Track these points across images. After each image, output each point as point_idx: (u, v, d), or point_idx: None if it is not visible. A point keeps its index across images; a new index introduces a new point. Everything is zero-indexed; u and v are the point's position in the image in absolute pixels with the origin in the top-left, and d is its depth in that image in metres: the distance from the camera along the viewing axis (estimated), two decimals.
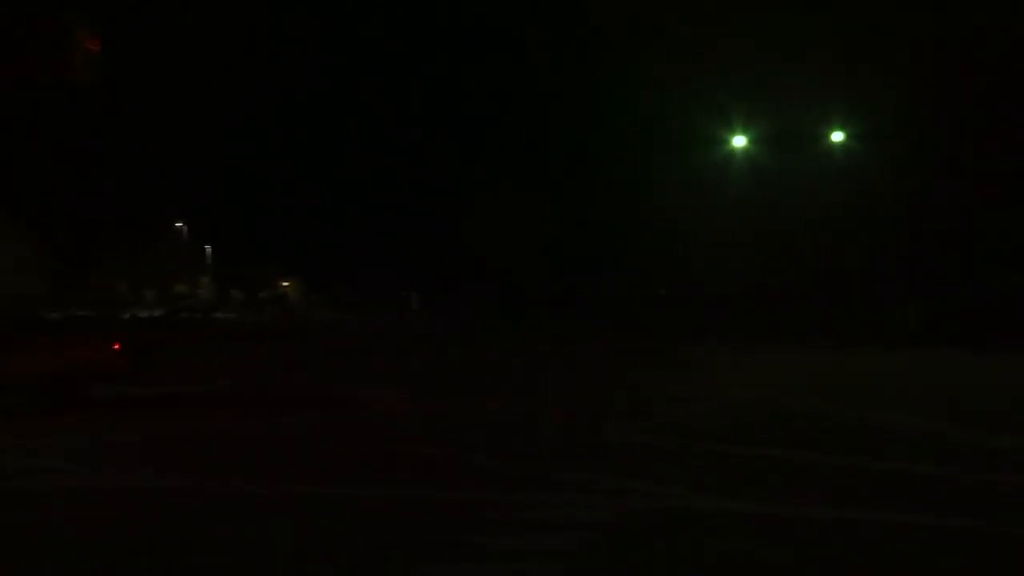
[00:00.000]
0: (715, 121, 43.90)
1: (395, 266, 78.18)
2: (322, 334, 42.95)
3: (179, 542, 7.71)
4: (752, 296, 45.08)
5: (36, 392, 15.93)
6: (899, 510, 8.55)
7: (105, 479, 10.23)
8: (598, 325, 45.71)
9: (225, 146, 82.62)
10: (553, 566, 7.01)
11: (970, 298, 35.64)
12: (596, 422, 14.30)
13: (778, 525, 8.12)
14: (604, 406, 16.32)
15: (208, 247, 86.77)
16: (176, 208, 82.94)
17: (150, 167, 78.51)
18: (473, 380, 21.14)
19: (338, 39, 75.40)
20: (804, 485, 9.66)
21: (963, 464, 10.53)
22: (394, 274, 79.69)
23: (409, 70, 73.09)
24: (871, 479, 9.95)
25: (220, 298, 75.46)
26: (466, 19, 60.90)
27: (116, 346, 17.06)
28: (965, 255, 38.98)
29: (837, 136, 40.94)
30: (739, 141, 43.02)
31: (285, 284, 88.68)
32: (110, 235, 73.41)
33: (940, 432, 12.87)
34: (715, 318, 43.06)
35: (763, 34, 42.87)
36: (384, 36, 69.96)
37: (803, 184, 42.41)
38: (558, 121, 60.86)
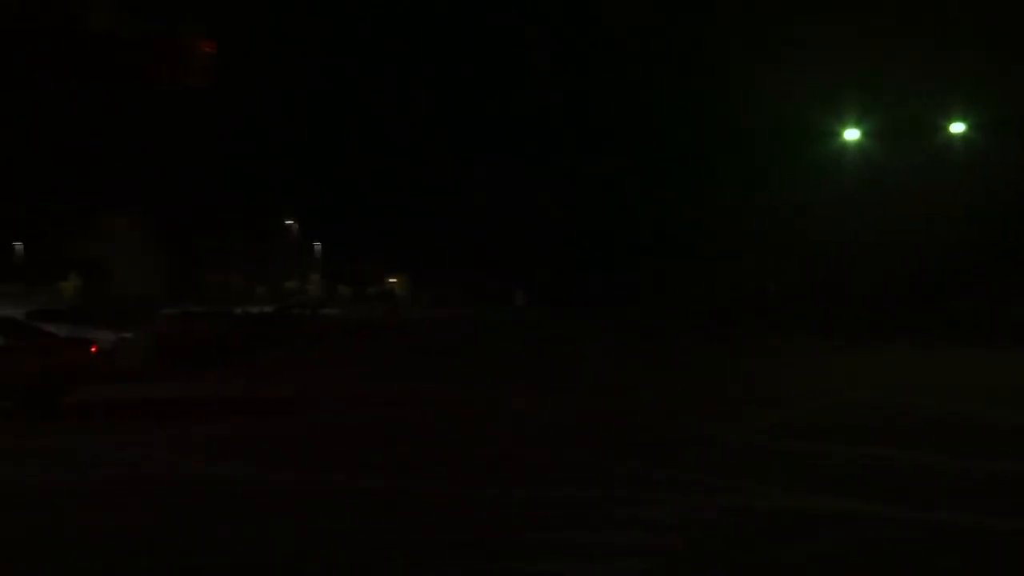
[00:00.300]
0: (827, 114, 42.88)
1: (500, 263, 78.68)
2: (425, 330, 43.58)
3: (298, 534, 8.00)
4: (868, 292, 43.92)
5: (21, 395, 15.64)
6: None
7: (229, 469, 10.67)
8: (706, 321, 45.17)
9: (335, 144, 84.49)
10: (651, 564, 7.03)
11: None
12: (701, 419, 14.20)
13: (890, 527, 7.96)
14: (709, 403, 16.18)
15: (317, 244, 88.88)
16: (287, 206, 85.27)
17: (262, 166, 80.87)
18: (571, 376, 21.15)
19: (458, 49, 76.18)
20: (922, 487, 9.44)
21: None
22: (499, 271, 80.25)
23: (516, 68, 73.42)
24: (993, 480, 9.67)
25: (329, 294, 77.19)
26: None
27: (93, 349, 17.07)
28: None
29: (957, 127, 39.48)
30: (852, 134, 41.90)
31: (392, 280, 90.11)
32: (224, 233, 75.92)
33: None
34: (828, 315, 42.11)
35: (875, 22, 41.67)
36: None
37: (920, 178, 41.08)
38: (666, 115, 60.29)
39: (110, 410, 16.69)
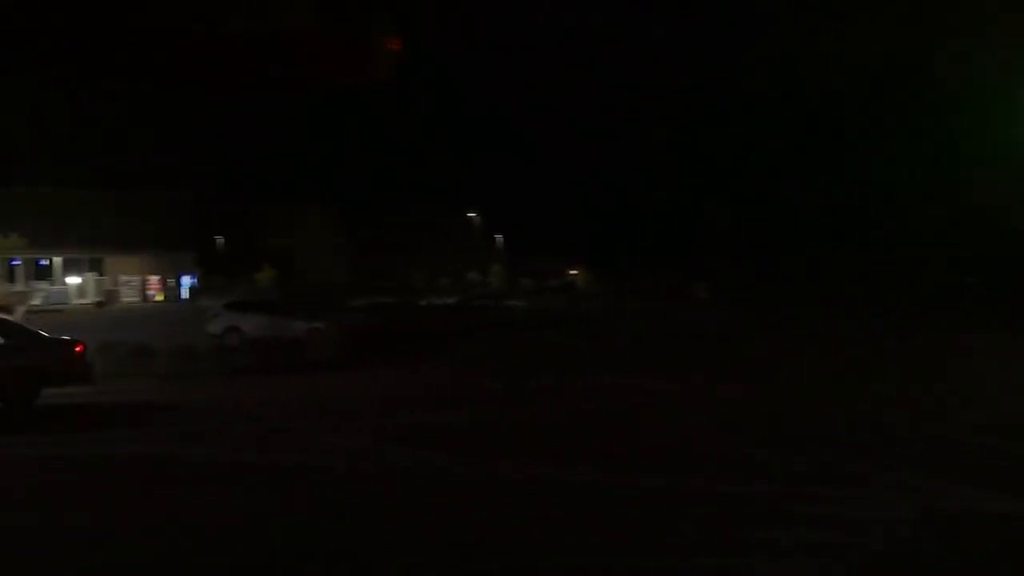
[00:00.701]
0: None
1: (684, 257, 77.57)
2: (606, 321, 43.49)
3: (480, 522, 8.12)
4: None
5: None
6: None
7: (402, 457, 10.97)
8: (903, 314, 43.03)
9: (517, 137, 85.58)
10: (845, 564, 6.80)
11: None
12: (903, 415, 13.55)
13: None
14: (904, 398, 15.40)
15: (499, 236, 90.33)
16: (470, 199, 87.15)
17: (444, 160, 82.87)
18: (755, 368, 20.59)
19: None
20: None
21: None
22: (682, 264, 79.14)
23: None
24: None
25: (511, 286, 78.30)
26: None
27: (79, 348, 16.69)
28: None
29: None
30: None
31: (573, 272, 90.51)
32: (409, 226, 78.28)
33: None
34: None
35: None
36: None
37: None
38: (856, 96, 57.84)
39: (315, 395, 17.50)
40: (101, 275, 63.09)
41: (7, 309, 21.78)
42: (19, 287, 60.09)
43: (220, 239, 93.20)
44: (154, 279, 64.10)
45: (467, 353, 27.01)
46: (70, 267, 62.93)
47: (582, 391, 17.57)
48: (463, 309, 41.64)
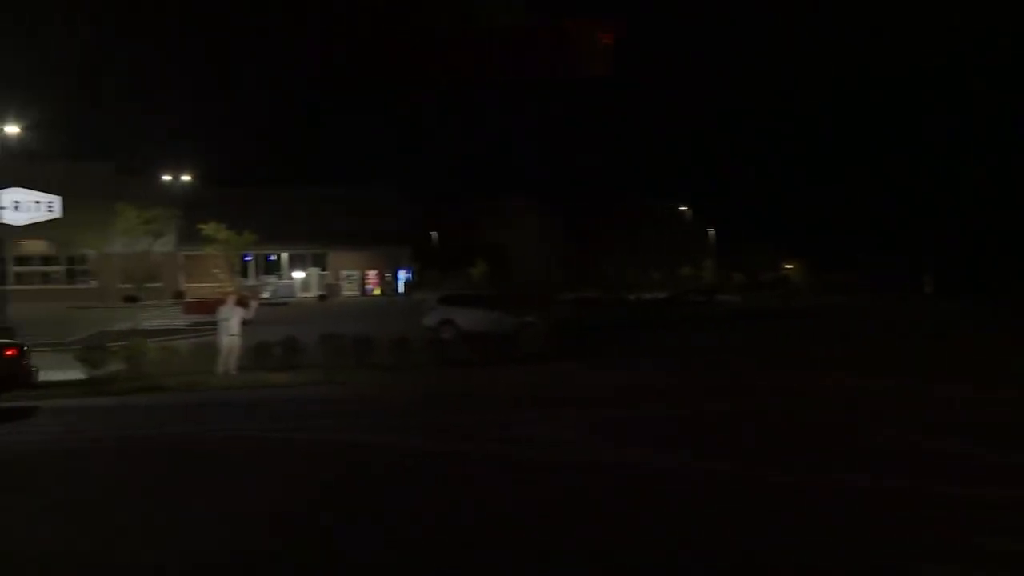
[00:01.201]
0: None
1: (907, 250, 73.51)
2: (824, 316, 41.78)
3: (698, 518, 7.95)
4: None
5: None
6: None
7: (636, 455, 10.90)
8: None
9: (727, 131, 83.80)
10: None
11: None
12: None
13: None
14: None
15: (711, 230, 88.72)
16: (681, 192, 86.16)
17: (656, 153, 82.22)
18: (974, 364, 19.16)
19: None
20: None
21: None
22: (906, 257, 74.98)
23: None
24: None
25: (722, 281, 76.78)
26: None
27: (10, 352, 15.98)
28: None
29: None
30: None
31: (788, 266, 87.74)
32: (620, 220, 78.14)
33: None
34: None
35: None
36: None
37: None
38: None
39: (526, 387, 17.80)
40: (324, 270, 66.62)
41: (242, 302, 23.31)
42: (251, 282, 64.49)
43: (435, 234, 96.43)
44: (372, 273, 67.04)
45: (678, 348, 26.65)
46: (296, 262, 66.84)
47: (798, 387, 16.95)
48: (674, 304, 41.16)
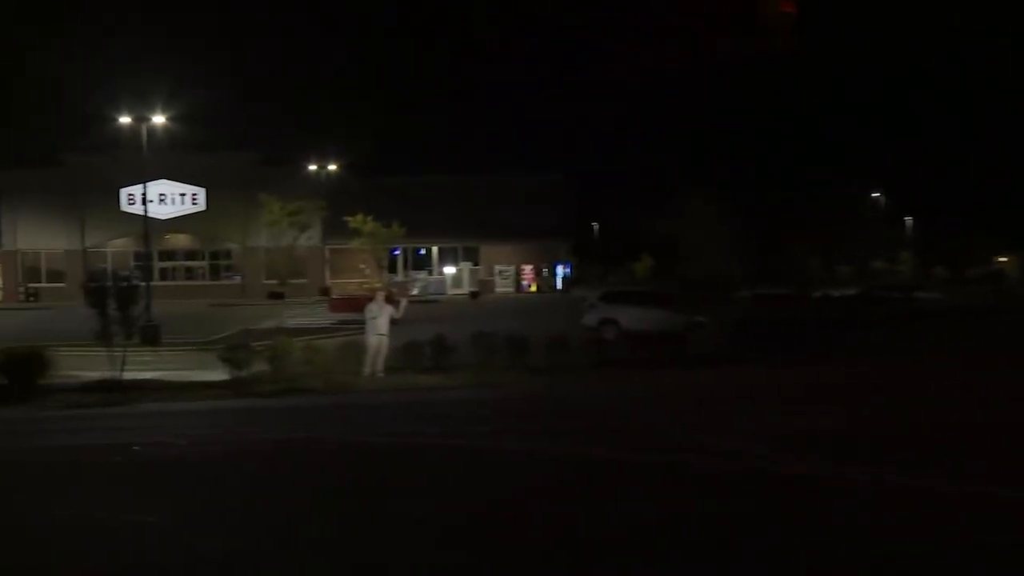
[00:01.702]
0: None
1: None
2: None
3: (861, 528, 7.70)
4: None
5: None
6: None
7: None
8: None
9: (926, 106, 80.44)
10: None
11: None
12: None
13: None
14: None
15: (908, 219, 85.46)
16: (874, 177, 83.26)
17: (845, 134, 79.71)
18: None
19: None
20: None
21: None
22: None
23: None
24: None
25: (922, 276, 73.86)
26: None
27: None
28: None
29: None
30: None
31: (1001, 260, 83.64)
32: (804, 209, 76.17)
33: None
34: None
35: None
36: None
37: None
38: None
39: (693, 392, 17.62)
40: (476, 265, 67.62)
41: (390, 299, 23.96)
42: (399, 277, 66.11)
43: (596, 226, 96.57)
44: (528, 268, 67.62)
45: (865, 350, 25.82)
46: (446, 256, 68.11)
47: (995, 394, 16.15)
48: (865, 301, 39.86)
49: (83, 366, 22.01)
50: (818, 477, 10.20)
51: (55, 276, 63.73)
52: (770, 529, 8.29)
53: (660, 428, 13.69)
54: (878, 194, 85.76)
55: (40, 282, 64.24)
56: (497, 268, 67.40)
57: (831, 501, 9.31)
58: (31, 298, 62.37)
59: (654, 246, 76.72)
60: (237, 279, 65.61)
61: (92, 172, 62.54)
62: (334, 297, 50.74)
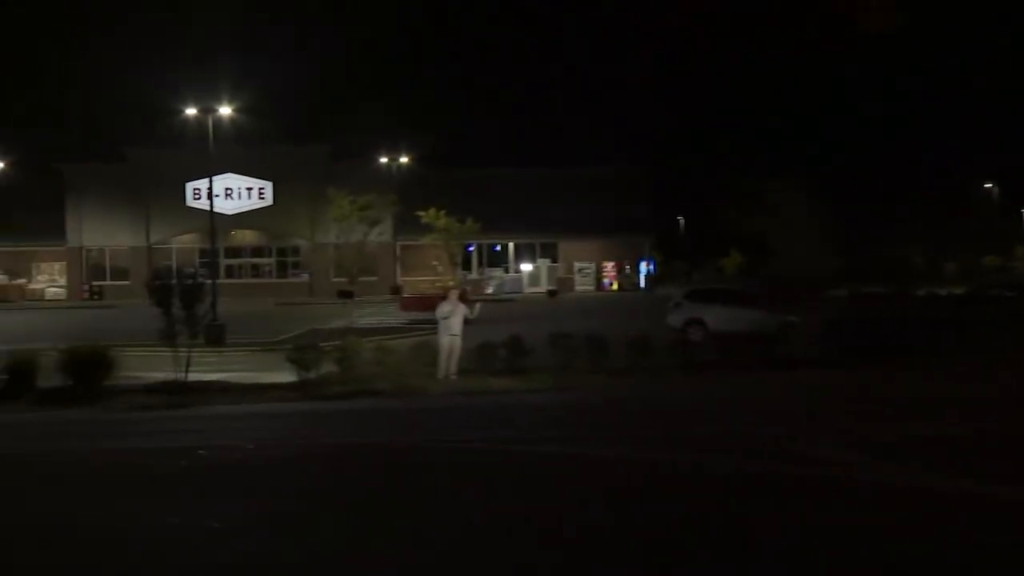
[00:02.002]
0: None
1: None
2: None
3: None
4: None
5: None
6: None
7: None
8: None
9: None
10: None
11: None
12: None
13: None
14: None
15: None
16: (985, 166, 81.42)
17: (951, 118, 78.06)
18: None
19: None
20: None
21: None
22: None
23: None
24: None
25: None
26: None
27: None
28: None
29: None
30: None
31: None
32: (907, 201, 74.79)
33: None
34: None
35: None
36: None
37: None
38: None
39: (784, 397, 17.50)
40: (555, 261, 67.63)
41: (464, 298, 24.13)
42: (473, 275, 66.45)
43: (681, 220, 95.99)
44: (609, 265, 67.45)
45: (973, 353, 25.25)
46: (523, 253, 68.24)
47: None
48: (975, 301, 38.93)
49: (147, 367, 22.57)
50: (931, 490, 10.08)
51: (119, 273, 65.27)
52: (905, 546, 8.21)
53: (750, 434, 13.64)
54: (990, 184, 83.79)
55: (104, 279, 65.79)
56: (576, 265, 67.35)
57: (955, 517, 9.19)
58: (95, 296, 63.95)
59: (743, 241, 75.96)
60: (305, 277, 66.56)
61: (157, 166, 64.00)
62: (405, 296, 51.22)
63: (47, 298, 65.23)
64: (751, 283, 51.29)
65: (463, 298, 24.03)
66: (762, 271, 67.56)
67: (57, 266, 67.64)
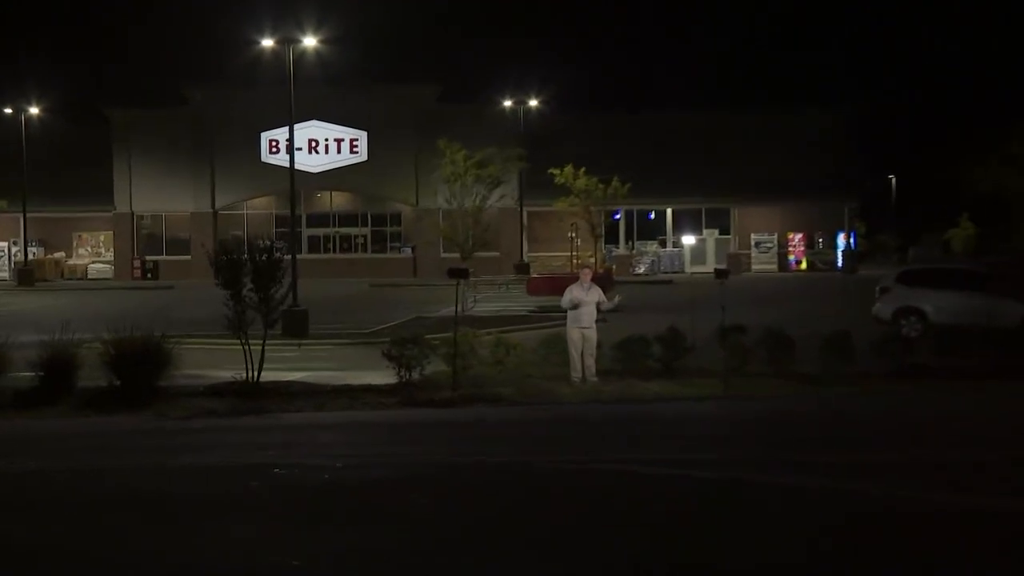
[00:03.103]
0: None
1: None
2: None
3: None
4: None
5: None
6: None
7: None
8: None
9: None
10: None
11: None
12: None
13: None
14: None
15: None
16: None
17: None
18: None
19: None
20: None
21: None
22: None
23: None
24: None
25: None
26: None
27: None
28: None
29: None
30: None
31: None
32: None
33: None
34: None
35: None
36: None
37: None
38: None
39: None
40: (725, 233, 66.87)
41: (606, 278, 23.96)
42: (620, 250, 66.18)
43: (893, 180, 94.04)
44: (797, 238, 66.45)
45: None
46: (684, 222, 67.61)
47: None
48: None
49: (211, 363, 23.05)
50: None
51: (178, 246, 66.60)
52: None
53: (995, 465, 13.29)
54: None
55: (160, 254, 67.27)
56: (754, 238, 66.54)
57: None
58: (148, 274, 65.26)
59: (978, 206, 74.02)
60: (407, 252, 67.14)
61: (224, 112, 65.29)
62: (534, 276, 51.26)
63: (90, 276, 67.07)
64: (986, 262, 49.96)
65: (605, 279, 23.83)
66: (1001, 246, 65.78)
67: (102, 237, 69.54)
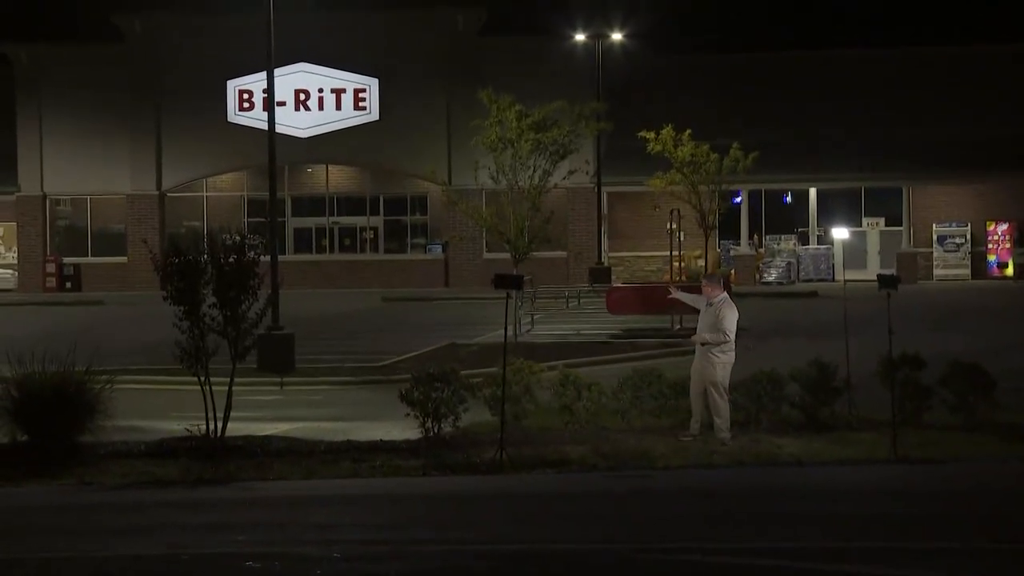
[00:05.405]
0: None
1: None
2: None
3: None
4: None
5: None
6: None
7: None
8: None
9: None
10: None
11: None
12: None
13: None
14: None
15: None
16: None
17: None
18: None
19: None
20: None
21: None
22: None
23: None
24: None
25: None
26: None
27: None
28: None
29: None
30: None
31: None
32: None
33: None
34: None
35: None
36: None
37: None
38: None
39: None
40: (892, 224, 66.49)
41: (723, 284, 23.65)
42: (741, 247, 65.91)
43: None
44: (1001, 229, 66.00)
45: None
46: (833, 208, 67.32)
47: None
48: None
49: (157, 409, 23.21)
50: None
51: (110, 243, 66.88)
52: None
53: None
54: None
55: (84, 254, 67.22)
56: (936, 230, 66.19)
57: None
58: (68, 283, 65.07)
59: None
60: (435, 251, 67.01)
61: (175, 52, 65.38)
62: (617, 285, 51.20)
63: None
64: None
65: (724, 289, 23.42)
66: None
67: (1, 230, 69.63)
